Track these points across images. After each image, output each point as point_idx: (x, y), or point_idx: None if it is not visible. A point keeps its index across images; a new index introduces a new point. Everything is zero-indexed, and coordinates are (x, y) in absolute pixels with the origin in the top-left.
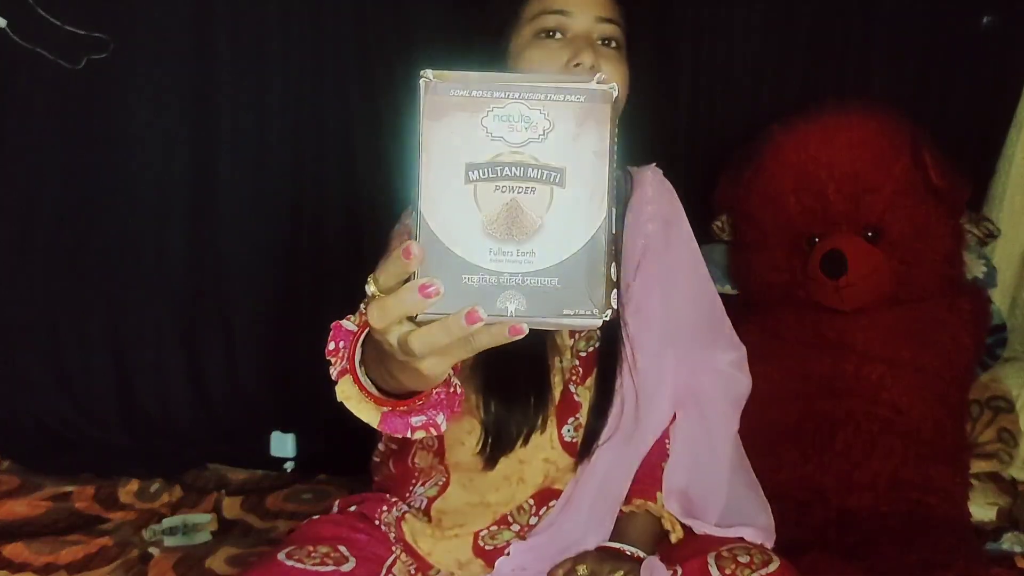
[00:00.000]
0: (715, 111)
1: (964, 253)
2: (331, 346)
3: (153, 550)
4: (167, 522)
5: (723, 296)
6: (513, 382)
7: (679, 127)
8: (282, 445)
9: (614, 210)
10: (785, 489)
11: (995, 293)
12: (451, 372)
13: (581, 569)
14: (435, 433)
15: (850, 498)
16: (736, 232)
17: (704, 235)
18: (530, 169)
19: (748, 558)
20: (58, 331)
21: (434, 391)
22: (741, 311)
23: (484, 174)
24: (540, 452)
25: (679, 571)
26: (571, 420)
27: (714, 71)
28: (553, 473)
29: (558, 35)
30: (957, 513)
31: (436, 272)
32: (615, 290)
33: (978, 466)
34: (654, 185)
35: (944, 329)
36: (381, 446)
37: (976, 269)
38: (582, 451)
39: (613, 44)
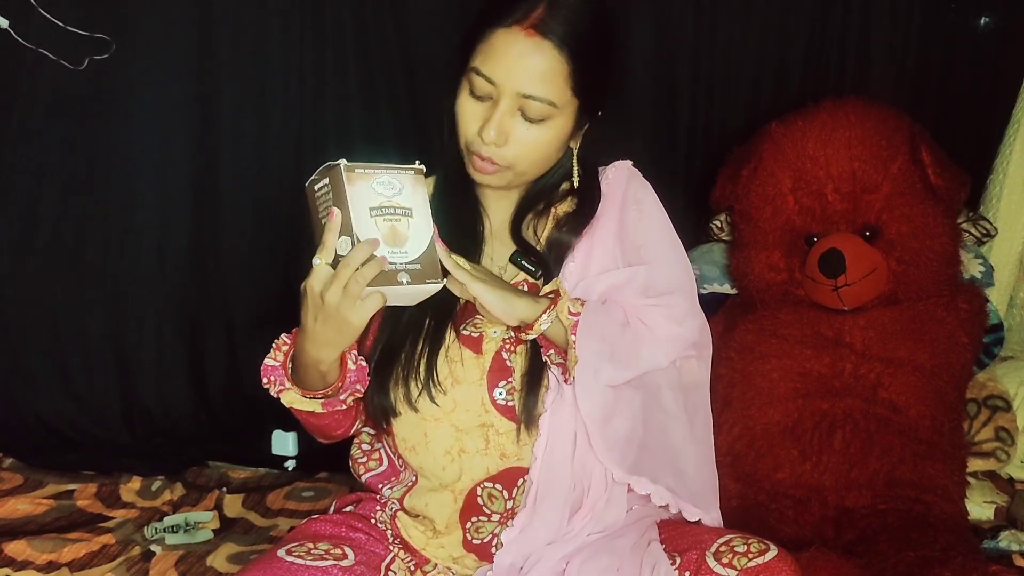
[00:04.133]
0: (714, 110)
1: (961, 252)
2: (264, 380)
3: (155, 548)
4: (169, 520)
5: (722, 295)
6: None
7: (679, 127)
8: (283, 443)
9: (435, 228)
10: (783, 487)
11: (992, 292)
12: (355, 353)
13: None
14: (359, 395)
15: (848, 496)
16: (735, 231)
17: (703, 234)
18: (397, 209)
19: (745, 547)
20: (60, 330)
21: (347, 375)
22: (740, 310)
23: (377, 212)
24: (473, 417)
25: (678, 560)
26: (503, 384)
27: (714, 71)
28: (495, 439)
29: (483, 98)
30: (954, 511)
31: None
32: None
33: (975, 465)
34: (631, 171)
35: (942, 328)
36: (355, 450)
37: (973, 268)
38: (524, 419)
39: (533, 118)
